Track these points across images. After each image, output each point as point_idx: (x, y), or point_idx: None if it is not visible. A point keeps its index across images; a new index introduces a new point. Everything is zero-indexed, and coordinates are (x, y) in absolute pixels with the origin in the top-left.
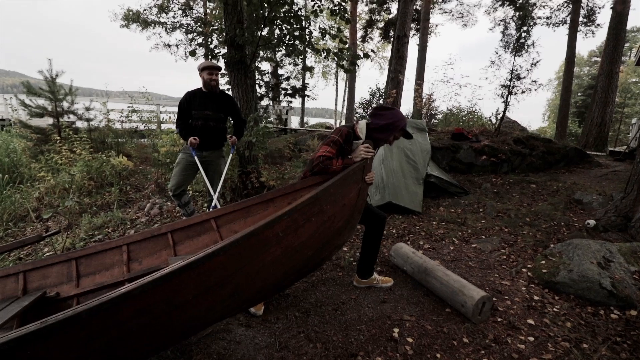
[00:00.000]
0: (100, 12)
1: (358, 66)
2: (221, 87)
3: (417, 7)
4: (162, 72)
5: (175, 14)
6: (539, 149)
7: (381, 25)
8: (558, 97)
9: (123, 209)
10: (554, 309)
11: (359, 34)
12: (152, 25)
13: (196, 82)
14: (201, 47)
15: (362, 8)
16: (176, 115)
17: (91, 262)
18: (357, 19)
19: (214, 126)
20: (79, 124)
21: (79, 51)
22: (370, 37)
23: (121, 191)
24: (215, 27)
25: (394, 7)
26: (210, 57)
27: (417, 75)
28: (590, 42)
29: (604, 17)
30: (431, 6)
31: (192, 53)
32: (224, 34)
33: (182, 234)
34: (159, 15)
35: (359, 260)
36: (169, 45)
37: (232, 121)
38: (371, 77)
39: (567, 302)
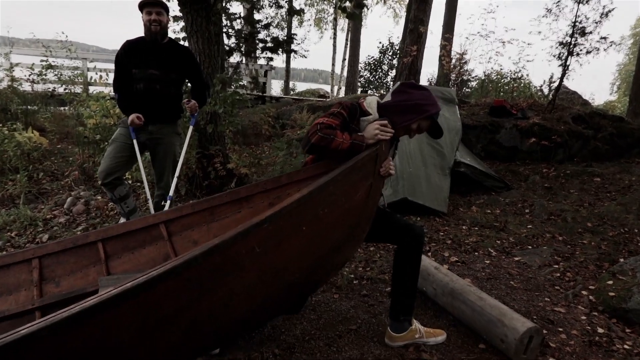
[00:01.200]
0: None
1: (367, 8)
2: (174, 36)
3: None
4: (92, 16)
5: None
6: (607, 130)
7: None
8: (633, 61)
9: (33, 205)
10: (625, 346)
11: None
12: None
13: (139, 30)
14: None
15: None
16: (113, 75)
17: None
18: None
19: (161, 91)
20: None
21: None
22: None
23: (31, 180)
24: None
25: None
26: None
27: (444, 27)
28: None
29: None
30: None
31: None
32: None
33: (119, 244)
34: None
35: (391, 300)
36: None
37: (189, 84)
38: (382, 28)
39: None
